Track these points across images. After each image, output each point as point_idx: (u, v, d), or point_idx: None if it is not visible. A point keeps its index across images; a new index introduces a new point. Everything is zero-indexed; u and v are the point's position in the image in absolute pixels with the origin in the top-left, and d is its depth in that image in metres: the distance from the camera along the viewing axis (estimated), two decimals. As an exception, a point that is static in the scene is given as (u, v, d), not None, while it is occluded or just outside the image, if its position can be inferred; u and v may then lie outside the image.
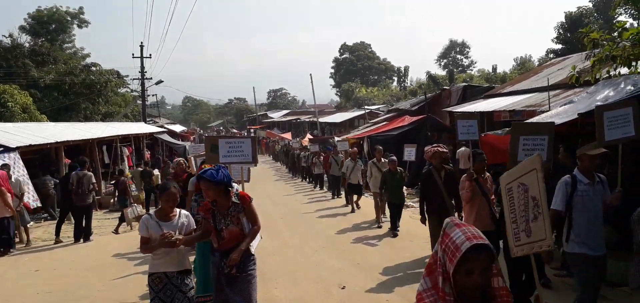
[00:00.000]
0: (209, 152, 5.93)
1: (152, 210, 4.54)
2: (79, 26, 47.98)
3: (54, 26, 45.46)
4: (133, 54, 32.02)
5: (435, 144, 7.73)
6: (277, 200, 17.08)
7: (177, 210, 4.52)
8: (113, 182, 15.40)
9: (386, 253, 8.69)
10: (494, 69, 49.89)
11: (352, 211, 13.53)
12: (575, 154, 6.67)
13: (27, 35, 42.81)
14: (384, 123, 23.24)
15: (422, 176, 7.46)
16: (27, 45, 38.89)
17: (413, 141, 16.84)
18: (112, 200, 16.34)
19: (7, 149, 11.07)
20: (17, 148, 11.34)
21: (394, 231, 10.10)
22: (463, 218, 6.23)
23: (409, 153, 12.91)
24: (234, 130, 65.34)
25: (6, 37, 38.26)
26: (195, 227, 4.62)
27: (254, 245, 4.52)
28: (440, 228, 6.77)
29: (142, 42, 33.05)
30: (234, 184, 4.46)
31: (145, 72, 32.41)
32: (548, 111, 10.07)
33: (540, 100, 13.12)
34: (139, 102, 37.18)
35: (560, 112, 8.01)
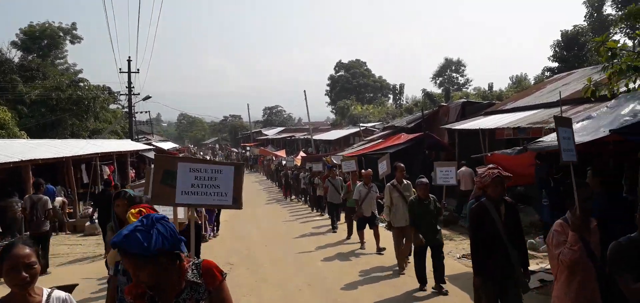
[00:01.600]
0: (158, 183, 3.77)
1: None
2: (72, 42, 47.60)
3: (46, 42, 45.04)
4: (120, 69, 31.05)
5: (493, 166, 5.05)
6: (265, 225, 15.67)
7: (43, 291, 2.67)
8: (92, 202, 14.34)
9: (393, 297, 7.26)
10: (490, 87, 49.26)
11: (361, 247, 11.05)
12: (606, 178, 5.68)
13: (18, 50, 42.18)
14: (380, 140, 22.30)
15: (471, 215, 4.96)
16: (16, 60, 38.14)
17: (410, 160, 15.73)
18: (88, 223, 15.22)
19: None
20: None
21: (440, 289, 7.31)
22: (554, 294, 4.02)
23: (445, 174, 9.17)
24: (234, 150, 64.30)
25: (-6, 52, 37.55)
26: None
27: None
28: (497, 298, 4.40)
29: (129, 57, 32.11)
30: (182, 241, 2.38)
31: (133, 87, 31.39)
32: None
33: (547, 116, 12.18)
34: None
35: (578, 129, 7.00)
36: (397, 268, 8.73)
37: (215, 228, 13.82)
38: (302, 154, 32.87)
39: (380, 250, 10.50)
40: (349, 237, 12.35)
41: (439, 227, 7.71)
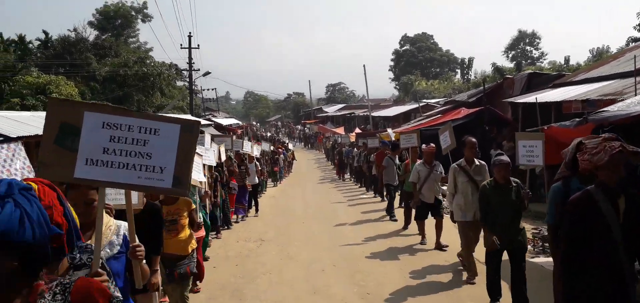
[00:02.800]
0: (51, 144, 2.25)
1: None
2: (143, 21, 49.61)
3: (119, 21, 47.21)
4: (181, 45, 31.67)
5: (611, 136, 3.43)
6: (311, 205, 14.83)
7: None
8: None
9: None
10: (567, 60, 45.71)
11: (422, 241, 9.13)
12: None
13: (94, 29, 44.59)
14: (438, 115, 21.15)
15: (569, 208, 3.42)
16: (91, 39, 40.31)
17: (469, 136, 14.38)
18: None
19: (7, 140, 10.27)
20: (19, 138, 10.52)
21: None
22: None
23: (530, 152, 6.64)
24: (298, 127, 64.83)
25: (71, 32, 39.88)
26: None
27: None
28: None
29: (190, 33, 32.72)
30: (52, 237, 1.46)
31: (193, 63, 32.04)
32: (634, 97, 7.85)
33: (622, 87, 10.74)
34: (196, 95, 37.41)
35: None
36: (463, 272, 7.04)
37: (244, 210, 12.34)
38: (357, 130, 32.14)
39: (441, 247, 8.65)
40: (406, 227, 10.58)
41: (523, 226, 5.75)
